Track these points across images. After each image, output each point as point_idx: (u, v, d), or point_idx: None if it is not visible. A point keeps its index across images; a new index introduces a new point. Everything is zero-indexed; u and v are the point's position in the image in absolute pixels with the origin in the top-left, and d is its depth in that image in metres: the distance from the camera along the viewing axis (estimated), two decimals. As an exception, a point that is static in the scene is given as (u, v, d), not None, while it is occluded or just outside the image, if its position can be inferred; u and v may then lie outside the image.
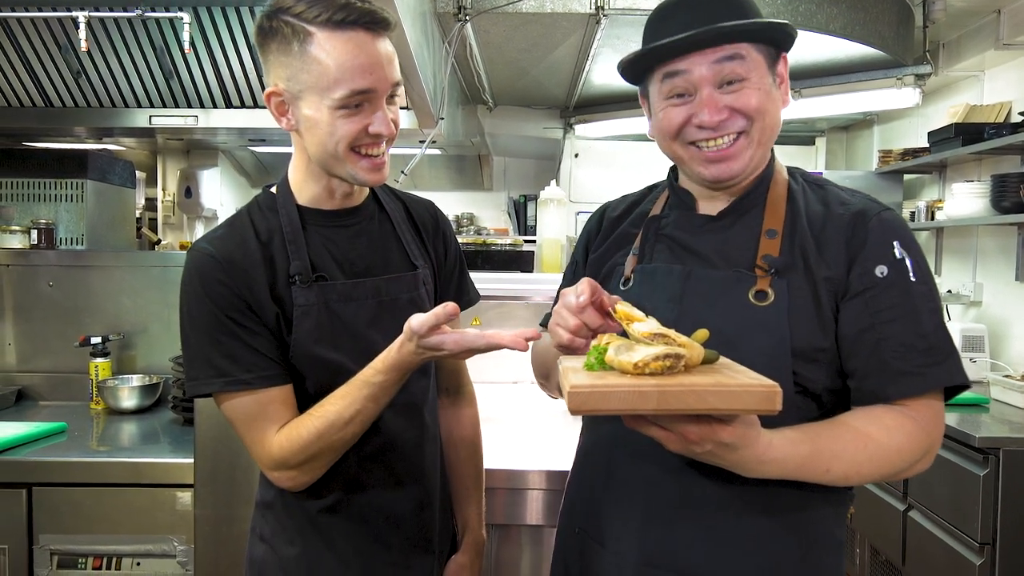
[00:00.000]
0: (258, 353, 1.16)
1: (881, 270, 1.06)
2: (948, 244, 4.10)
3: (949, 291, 3.89)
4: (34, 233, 2.66)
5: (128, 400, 2.42)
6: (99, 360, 2.49)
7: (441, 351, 1.07)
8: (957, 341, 3.36)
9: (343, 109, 1.12)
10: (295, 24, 1.10)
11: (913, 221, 4.09)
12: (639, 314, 0.97)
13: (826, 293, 1.06)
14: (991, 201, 3.31)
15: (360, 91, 1.12)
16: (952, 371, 1.05)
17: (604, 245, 1.28)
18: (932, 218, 3.94)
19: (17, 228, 2.68)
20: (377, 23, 1.13)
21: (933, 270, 4.28)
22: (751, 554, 1.07)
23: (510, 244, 3.05)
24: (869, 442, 1.02)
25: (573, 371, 0.94)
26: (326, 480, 1.21)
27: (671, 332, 0.92)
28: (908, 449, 1.03)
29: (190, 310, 1.17)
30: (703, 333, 0.97)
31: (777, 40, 1.12)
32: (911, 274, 1.06)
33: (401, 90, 1.20)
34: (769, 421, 0.98)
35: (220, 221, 1.28)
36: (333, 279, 1.22)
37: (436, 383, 1.41)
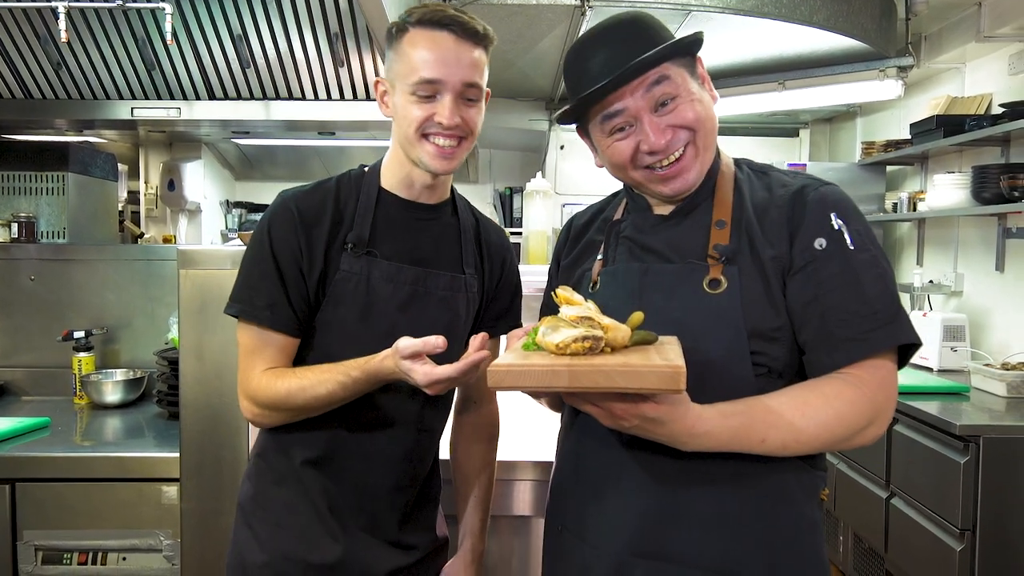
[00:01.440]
0: (284, 299, 1.29)
1: (820, 243, 1.08)
2: (930, 235, 4.15)
3: (931, 281, 3.93)
4: (15, 227, 2.64)
5: (112, 395, 2.41)
6: (82, 354, 2.47)
7: (410, 378, 1.16)
8: (938, 331, 3.40)
9: (415, 96, 1.25)
10: (400, 23, 1.28)
11: (895, 212, 4.13)
12: (578, 298, 1.03)
13: (773, 272, 1.10)
14: (972, 192, 3.34)
15: (428, 80, 1.24)
16: (896, 332, 1.06)
17: (573, 253, 1.35)
18: (914, 209, 3.98)
19: (-3, 222, 2.65)
20: (465, 30, 1.26)
21: (915, 260, 4.34)
22: (728, 535, 1.09)
23: (496, 236, 3.06)
24: (807, 410, 1.04)
25: (509, 350, 1.05)
26: (314, 436, 1.33)
27: (596, 315, 0.99)
28: (849, 415, 1.05)
29: (252, 241, 1.32)
30: (637, 317, 1.04)
31: (691, 49, 1.17)
32: (849, 243, 1.08)
33: (481, 95, 1.30)
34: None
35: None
36: (385, 258, 1.33)
37: (459, 391, 1.52)
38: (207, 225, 3.96)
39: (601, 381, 0.91)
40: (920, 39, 3.96)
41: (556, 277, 1.38)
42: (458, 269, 1.40)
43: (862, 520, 3.22)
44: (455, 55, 1.25)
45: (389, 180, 1.37)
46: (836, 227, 1.09)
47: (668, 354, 0.96)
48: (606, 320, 0.99)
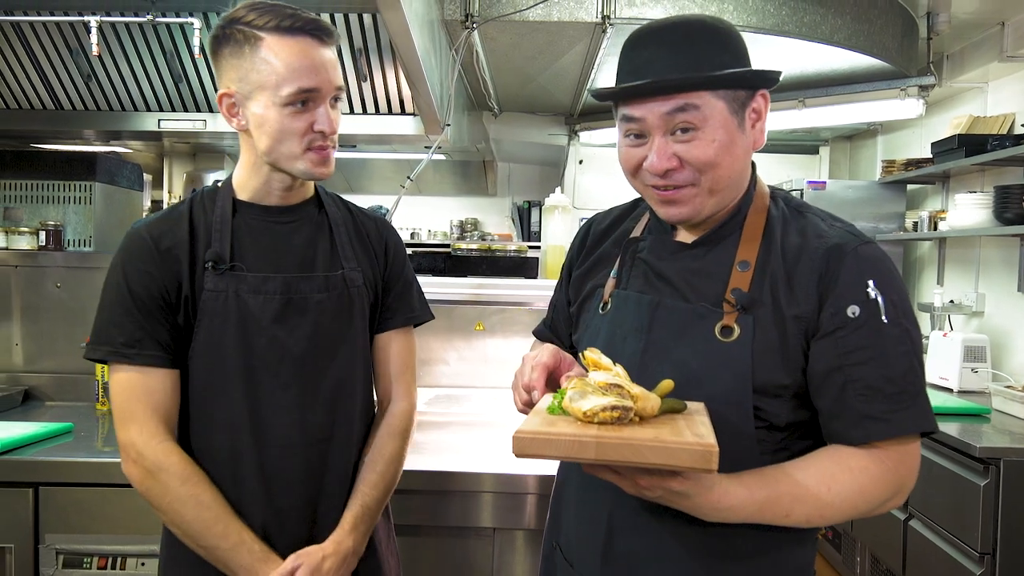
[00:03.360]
0: (147, 335, 1.25)
1: (853, 310, 1.03)
2: (951, 254, 4.11)
3: (951, 301, 3.90)
4: (42, 235, 2.68)
5: (133, 401, 2.43)
6: (105, 361, 2.50)
7: None
8: (958, 352, 3.37)
9: (290, 107, 1.22)
10: (247, 31, 1.21)
11: (916, 231, 4.10)
12: (606, 362, 1.00)
13: (794, 331, 1.05)
14: (994, 212, 3.32)
15: (306, 89, 1.21)
16: (917, 418, 1.02)
17: (588, 262, 1.29)
18: (935, 228, 3.95)
19: (26, 229, 2.70)
20: (321, 31, 1.24)
21: (936, 280, 4.28)
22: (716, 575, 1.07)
23: (515, 250, 3.07)
24: (833, 484, 1.01)
25: (534, 412, 1.01)
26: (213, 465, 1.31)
27: (626, 383, 0.96)
28: (871, 491, 1.03)
29: (108, 281, 1.29)
30: (667, 384, 1.00)
31: (750, 83, 1.07)
32: (883, 315, 1.02)
33: (343, 95, 1.30)
34: (730, 455, 0.98)
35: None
36: (254, 271, 1.29)
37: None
38: (229, 235, 4.00)
39: (629, 455, 0.88)
40: (942, 58, 3.95)
41: (567, 284, 1.33)
42: (336, 266, 1.35)
43: (880, 542, 3.18)
44: (322, 60, 1.23)
45: (246, 192, 1.33)
46: (872, 296, 1.03)
47: (699, 428, 0.92)
48: (636, 389, 0.96)
